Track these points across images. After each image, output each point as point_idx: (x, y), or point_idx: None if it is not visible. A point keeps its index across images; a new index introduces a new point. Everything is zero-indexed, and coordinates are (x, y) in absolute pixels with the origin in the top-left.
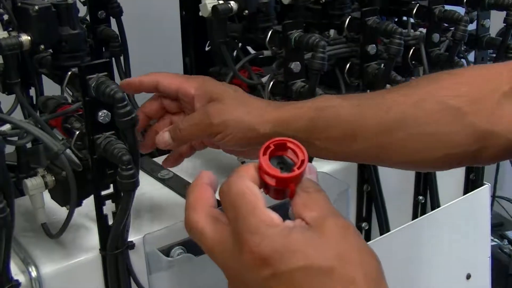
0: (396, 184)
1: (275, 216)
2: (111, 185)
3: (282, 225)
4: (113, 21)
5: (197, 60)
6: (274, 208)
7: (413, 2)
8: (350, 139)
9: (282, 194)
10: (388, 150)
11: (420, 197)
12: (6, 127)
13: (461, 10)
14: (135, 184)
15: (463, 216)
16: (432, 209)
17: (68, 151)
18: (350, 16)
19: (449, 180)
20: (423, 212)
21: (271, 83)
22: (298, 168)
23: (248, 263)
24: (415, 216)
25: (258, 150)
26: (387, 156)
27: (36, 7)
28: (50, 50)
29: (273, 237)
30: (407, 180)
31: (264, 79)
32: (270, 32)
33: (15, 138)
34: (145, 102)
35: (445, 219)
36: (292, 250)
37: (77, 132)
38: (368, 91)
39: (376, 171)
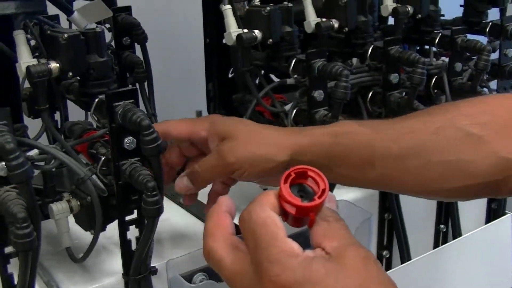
0: (417, 212)
1: (295, 246)
2: (135, 211)
3: (302, 255)
4: (137, 47)
5: (220, 87)
6: (293, 236)
7: (435, 31)
8: (368, 166)
9: (301, 222)
10: (406, 178)
11: (442, 226)
12: (34, 152)
13: (483, 40)
14: (159, 210)
15: (485, 246)
16: (454, 238)
17: (93, 176)
18: (372, 45)
19: (471, 209)
20: (445, 241)
21: (294, 111)
22: (319, 198)
23: None
24: (436, 245)
25: (279, 177)
26: (405, 184)
27: (65, 35)
28: (78, 77)
29: (294, 268)
30: (428, 208)
31: (287, 107)
32: (293, 61)
33: (42, 163)
34: (165, 152)
35: (466, 248)
36: (313, 282)
37: (103, 158)
38: None
39: (398, 199)
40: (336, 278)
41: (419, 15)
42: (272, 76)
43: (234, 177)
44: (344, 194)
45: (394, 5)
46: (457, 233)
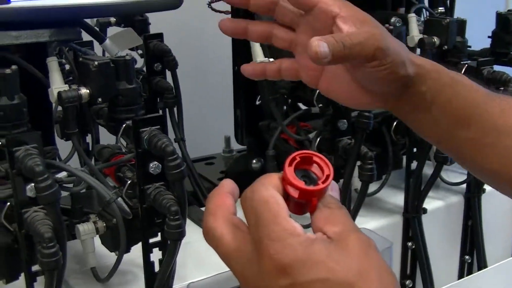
0: (442, 242)
1: (297, 226)
2: (159, 234)
3: (304, 235)
4: (168, 73)
5: (247, 114)
6: None
7: (462, 62)
8: (464, 123)
9: (302, 209)
10: (496, 153)
11: (467, 257)
12: (62, 174)
13: (510, 71)
14: (182, 234)
15: (511, 278)
16: (479, 269)
17: (119, 199)
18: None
19: (497, 241)
20: (470, 272)
21: (318, 139)
22: (323, 183)
23: (267, 270)
24: (461, 276)
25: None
26: (489, 160)
27: (96, 63)
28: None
29: (295, 246)
30: (453, 238)
31: (311, 135)
32: (318, 90)
33: (71, 185)
34: None
35: (492, 280)
36: (313, 261)
37: (129, 182)
38: (415, 150)
39: (421, 228)
40: (337, 260)
41: (445, 46)
42: (300, 104)
43: (369, 66)
44: (367, 222)
45: (420, 36)
46: (482, 264)
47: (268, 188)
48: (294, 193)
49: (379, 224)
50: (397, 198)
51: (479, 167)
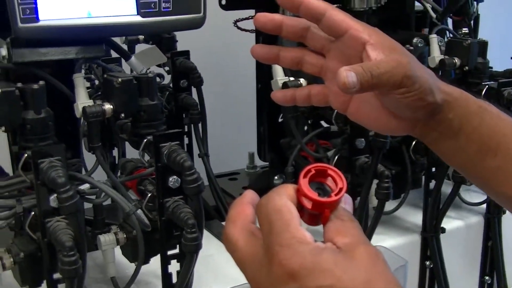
0: (461, 262)
1: (308, 235)
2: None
3: (313, 244)
4: (194, 90)
5: (270, 131)
6: None
7: (483, 83)
8: (490, 152)
9: (315, 220)
10: None
11: (487, 278)
12: (86, 186)
13: None
14: (198, 246)
15: None
16: None
17: (139, 211)
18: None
19: None
20: None
21: (336, 157)
22: (336, 195)
23: (276, 275)
24: None
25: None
26: None
27: (120, 79)
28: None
29: (303, 253)
30: (473, 259)
31: (329, 153)
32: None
33: (93, 197)
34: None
35: None
36: (321, 269)
37: (149, 195)
38: (434, 169)
39: (440, 247)
40: (344, 269)
41: (466, 67)
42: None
43: (398, 93)
44: (384, 240)
45: (441, 56)
46: (502, 285)
47: (282, 197)
48: (308, 204)
49: (396, 242)
50: (416, 217)
51: (505, 195)
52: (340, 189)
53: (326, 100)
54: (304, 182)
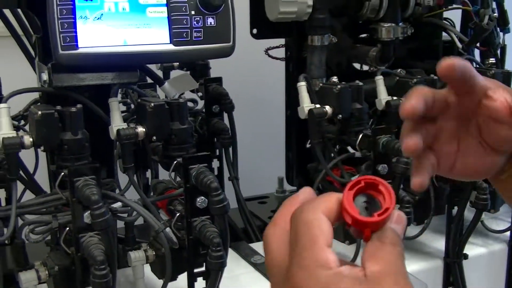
0: None
1: (331, 258)
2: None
3: (335, 269)
4: (225, 115)
5: (298, 156)
6: None
7: None
8: None
9: (361, 234)
10: None
11: None
12: (118, 204)
13: None
14: (223, 264)
15: None
16: None
17: (168, 230)
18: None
19: None
20: None
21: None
22: (379, 215)
23: None
24: None
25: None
26: None
27: (152, 104)
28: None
29: (320, 279)
30: (496, 286)
31: (353, 178)
32: (360, 136)
33: (125, 215)
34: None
35: None
36: None
37: (178, 214)
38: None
39: (462, 274)
40: None
41: None
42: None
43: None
44: (407, 265)
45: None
46: None
47: (316, 211)
48: (348, 220)
49: (419, 267)
50: (439, 243)
51: None
52: (386, 209)
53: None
54: (348, 194)
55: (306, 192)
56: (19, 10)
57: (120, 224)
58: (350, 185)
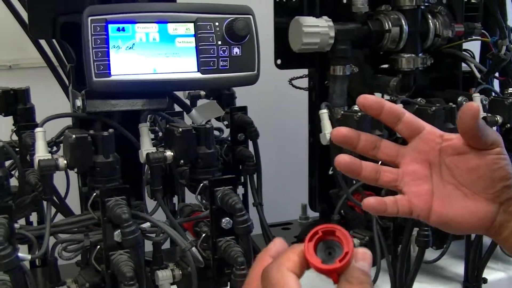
0: None
1: None
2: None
3: None
4: (250, 142)
5: (321, 182)
6: None
7: None
8: None
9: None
10: None
11: None
12: (147, 225)
13: None
14: None
15: None
16: None
17: (194, 249)
18: None
19: None
20: None
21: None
22: (340, 261)
23: None
24: None
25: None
26: None
27: (180, 129)
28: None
29: None
30: None
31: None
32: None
33: (153, 235)
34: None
35: None
36: None
37: (204, 235)
38: None
39: None
40: None
41: (508, 125)
42: None
43: (496, 152)
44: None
45: (484, 114)
46: None
47: (282, 268)
48: (313, 268)
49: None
50: (458, 268)
51: None
52: (346, 253)
53: (410, 206)
54: (309, 246)
55: (277, 244)
56: (54, 41)
57: (147, 248)
58: (309, 237)
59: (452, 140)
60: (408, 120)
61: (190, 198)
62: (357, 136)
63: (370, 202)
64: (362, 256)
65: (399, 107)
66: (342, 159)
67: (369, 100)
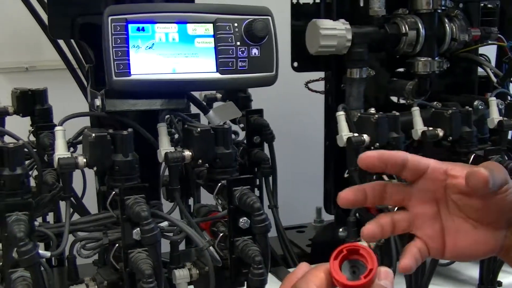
0: None
1: None
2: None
3: None
4: (266, 145)
5: (336, 186)
6: None
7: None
8: None
9: None
10: None
11: None
12: (164, 224)
13: None
14: (263, 282)
15: None
16: None
17: (211, 248)
18: (474, 154)
19: None
20: None
21: (396, 209)
22: (365, 277)
23: None
24: None
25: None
26: None
27: (198, 129)
28: (207, 165)
29: None
30: None
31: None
32: None
33: (171, 234)
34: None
35: None
36: None
37: (221, 234)
38: None
39: None
40: None
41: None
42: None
43: (504, 190)
44: None
45: (500, 118)
46: None
47: (309, 285)
48: (339, 285)
49: None
50: (472, 271)
51: None
52: (370, 270)
53: (410, 228)
54: (334, 264)
55: (303, 267)
56: (72, 41)
57: (163, 248)
58: (334, 255)
59: (457, 179)
60: (412, 164)
61: (206, 200)
62: (363, 195)
63: (405, 263)
64: (385, 275)
65: (400, 153)
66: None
67: (371, 160)
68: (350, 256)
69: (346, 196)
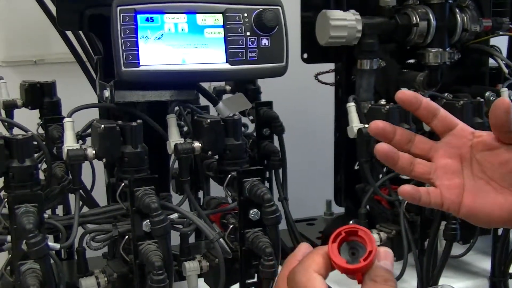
0: None
1: None
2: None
3: None
4: (275, 137)
5: (346, 178)
6: None
7: None
8: None
9: (354, 278)
10: None
11: None
12: (174, 216)
13: None
14: (274, 273)
15: None
16: None
17: (221, 240)
18: None
19: None
20: None
21: (406, 201)
22: (364, 260)
23: None
24: None
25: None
26: None
27: (208, 120)
28: (216, 156)
29: None
30: None
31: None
32: None
33: (180, 226)
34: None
35: None
36: None
37: (231, 226)
38: None
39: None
40: None
41: None
42: None
43: None
44: (453, 283)
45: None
46: None
47: (308, 270)
48: (338, 269)
49: (465, 285)
50: (485, 263)
51: None
52: (370, 252)
53: (431, 176)
54: (333, 247)
55: (302, 249)
56: (81, 33)
57: (172, 241)
58: (332, 238)
59: (483, 137)
60: (443, 116)
61: (215, 193)
62: (393, 129)
63: (406, 189)
64: (385, 255)
65: (435, 103)
66: (381, 148)
67: (408, 95)
68: (348, 238)
69: (376, 123)
